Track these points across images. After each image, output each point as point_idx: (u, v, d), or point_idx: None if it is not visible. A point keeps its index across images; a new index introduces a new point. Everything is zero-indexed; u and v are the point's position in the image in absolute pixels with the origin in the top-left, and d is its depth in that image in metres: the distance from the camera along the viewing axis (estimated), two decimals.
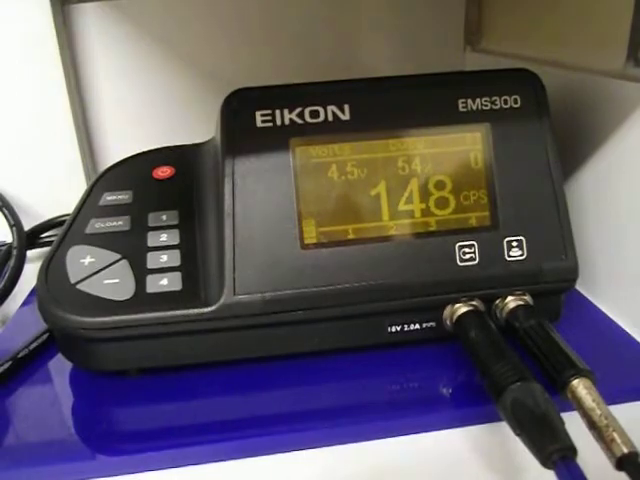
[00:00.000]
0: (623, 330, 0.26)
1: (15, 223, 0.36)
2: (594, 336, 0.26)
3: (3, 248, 0.36)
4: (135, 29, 0.39)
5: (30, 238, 0.37)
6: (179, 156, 0.31)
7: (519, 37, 0.39)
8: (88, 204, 0.29)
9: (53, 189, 0.39)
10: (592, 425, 0.19)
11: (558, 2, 0.33)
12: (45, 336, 0.27)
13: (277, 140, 0.24)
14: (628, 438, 0.18)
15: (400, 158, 0.25)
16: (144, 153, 0.32)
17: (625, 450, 0.18)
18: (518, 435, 0.19)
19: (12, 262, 0.34)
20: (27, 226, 0.37)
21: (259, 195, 0.24)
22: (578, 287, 0.29)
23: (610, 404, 0.19)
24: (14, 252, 0.34)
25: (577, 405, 0.19)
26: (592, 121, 0.29)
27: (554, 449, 0.17)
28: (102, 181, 0.30)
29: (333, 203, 0.24)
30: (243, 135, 0.24)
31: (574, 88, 0.30)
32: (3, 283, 0.33)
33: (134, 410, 0.24)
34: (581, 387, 0.19)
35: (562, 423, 0.18)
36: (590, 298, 0.29)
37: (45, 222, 0.39)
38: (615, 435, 0.18)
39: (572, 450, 0.17)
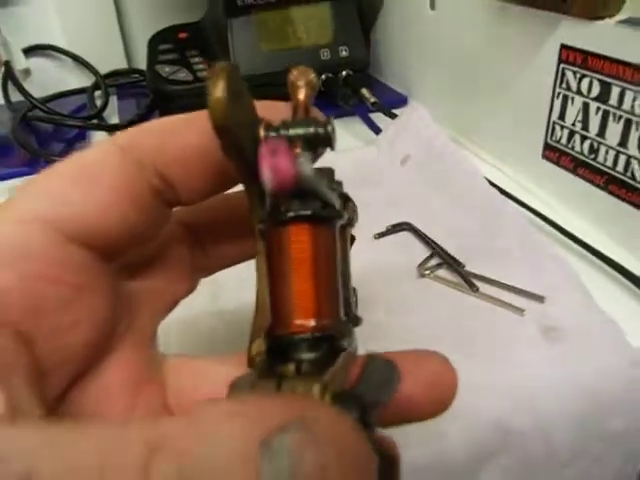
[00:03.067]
0: (393, 88, 0.64)
1: (97, 71, 0.67)
2: (379, 91, 0.64)
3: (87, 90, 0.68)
4: None
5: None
6: (187, 27, 0.64)
7: None
8: (152, 52, 0.61)
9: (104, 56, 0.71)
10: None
11: None
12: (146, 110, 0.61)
13: (245, 11, 0.58)
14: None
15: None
16: (171, 27, 0.64)
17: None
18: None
19: (103, 92, 0.66)
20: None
21: (245, 35, 0.58)
22: (377, 76, 0.67)
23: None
24: (101, 85, 0.66)
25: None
26: None
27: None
28: (155, 41, 0.63)
29: (270, 37, 0.59)
30: (232, 11, 0.58)
31: None
32: (102, 102, 0.65)
33: None
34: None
35: None
36: (382, 80, 0.67)
37: (110, 72, 0.71)
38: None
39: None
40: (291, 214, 0.15)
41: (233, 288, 0.33)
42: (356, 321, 0.17)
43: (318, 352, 0.14)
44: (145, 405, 0.17)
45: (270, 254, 0.15)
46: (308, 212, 0.15)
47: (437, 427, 0.27)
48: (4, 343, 0.13)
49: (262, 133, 0.15)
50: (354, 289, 0.18)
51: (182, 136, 0.16)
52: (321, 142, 0.16)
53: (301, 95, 0.17)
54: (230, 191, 0.18)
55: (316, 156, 0.16)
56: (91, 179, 0.15)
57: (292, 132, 0.15)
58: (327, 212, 0.15)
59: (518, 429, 0.28)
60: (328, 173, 0.17)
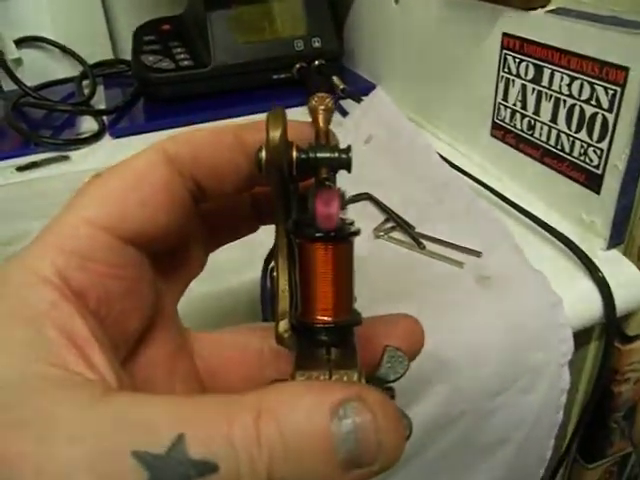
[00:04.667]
0: (363, 77, 0.68)
1: (84, 61, 0.71)
2: (351, 79, 0.68)
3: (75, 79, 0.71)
4: None
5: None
6: (170, 20, 0.68)
7: None
8: (137, 43, 0.65)
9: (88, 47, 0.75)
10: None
11: None
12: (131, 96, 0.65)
13: (224, 5, 0.63)
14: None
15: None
16: (154, 20, 0.68)
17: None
18: None
19: (90, 81, 0.70)
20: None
21: (224, 27, 0.63)
22: (349, 66, 0.71)
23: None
24: (89, 74, 0.70)
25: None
26: None
27: None
28: (139, 33, 0.67)
29: (247, 29, 0.64)
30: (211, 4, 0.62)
31: None
32: (89, 91, 0.68)
33: (174, 108, 0.62)
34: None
35: None
36: (353, 69, 0.71)
37: (96, 62, 0.74)
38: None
39: None
40: (320, 234, 0.18)
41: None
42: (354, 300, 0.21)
43: (334, 336, 0.19)
44: (181, 370, 0.21)
45: (299, 261, 0.19)
46: (332, 234, 0.18)
47: None
48: (95, 328, 0.16)
49: (295, 155, 0.18)
50: None
51: (213, 150, 0.19)
52: (342, 166, 0.19)
53: (322, 121, 0.20)
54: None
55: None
56: (144, 187, 0.17)
57: (320, 155, 0.19)
58: (347, 233, 0.19)
59: (452, 361, 0.32)
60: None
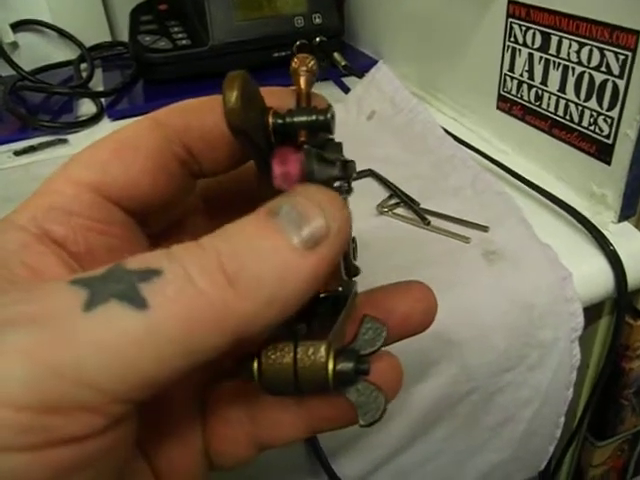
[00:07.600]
0: (365, 53, 0.67)
1: (82, 44, 0.70)
2: (353, 56, 0.67)
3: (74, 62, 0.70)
4: None
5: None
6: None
7: None
8: (133, 23, 0.64)
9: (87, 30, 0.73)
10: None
11: None
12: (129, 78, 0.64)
13: None
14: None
15: None
16: None
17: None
18: None
19: (88, 63, 0.68)
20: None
21: (222, 4, 0.61)
22: (352, 43, 0.70)
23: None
24: (87, 57, 0.69)
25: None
26: None
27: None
28: (136, 13, 0.65)
29: (246, 6, 0.62)
30: None
31: None
32: (87, 74, 0.67)
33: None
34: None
35: None
36: (355, 45, 0.70)
37: (94, 45, 0.73)
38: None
39: None
40: None
41: None
42: (355, 271, 0.20)
43: (324, 307, 0.18)
44: None
45: None
46: None
47: None
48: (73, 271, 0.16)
49: (271, 120, 0.18)
50: (353, 238, 0.21)
51: (204, 116, 0.18)
52: (321, 128, 0.18)
53: (303, 83, 0.19)
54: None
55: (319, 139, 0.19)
56: (128, 151, 0.17)
57: (297, 120, 0.18)
58: None
59: (459, 338, 0.31)
60: (334, 145, 0.19)
